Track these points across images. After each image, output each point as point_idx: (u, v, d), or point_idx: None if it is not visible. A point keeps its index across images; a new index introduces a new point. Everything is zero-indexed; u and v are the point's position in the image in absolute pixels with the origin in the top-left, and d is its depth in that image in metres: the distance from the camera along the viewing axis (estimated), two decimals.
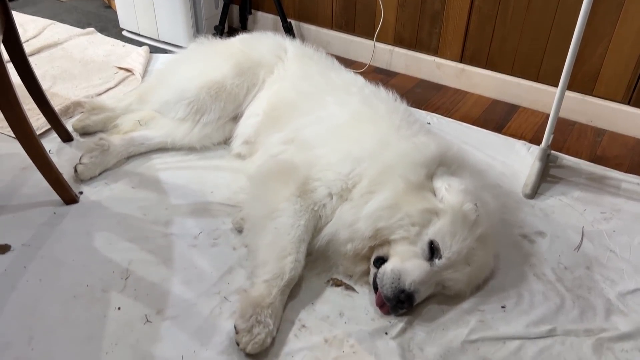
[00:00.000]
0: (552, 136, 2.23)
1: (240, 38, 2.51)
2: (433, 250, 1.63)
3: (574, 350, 1.59)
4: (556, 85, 2.14)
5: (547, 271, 1.85)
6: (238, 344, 1.51)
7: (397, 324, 1.64)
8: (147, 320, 1.60)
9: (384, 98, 2.09)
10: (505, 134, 2.62)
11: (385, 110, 2.00)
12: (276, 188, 1.82)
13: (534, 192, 2.18)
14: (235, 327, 1.53)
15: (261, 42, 2.42)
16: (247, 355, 1.51)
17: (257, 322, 1.53)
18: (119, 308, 1.63)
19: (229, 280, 1.74)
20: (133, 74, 2.89)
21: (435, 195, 1.72)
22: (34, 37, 3.22)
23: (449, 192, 1.70)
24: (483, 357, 1.56)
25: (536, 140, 2.43)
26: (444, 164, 1.81)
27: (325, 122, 1.98)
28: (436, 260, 1.62)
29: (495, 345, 1.59)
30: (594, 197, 2.20)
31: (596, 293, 1.78)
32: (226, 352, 1.53)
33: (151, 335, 1.56)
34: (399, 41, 3.11)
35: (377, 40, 3.13)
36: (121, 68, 2.94)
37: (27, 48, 3.01)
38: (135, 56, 3.02)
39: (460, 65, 2.95)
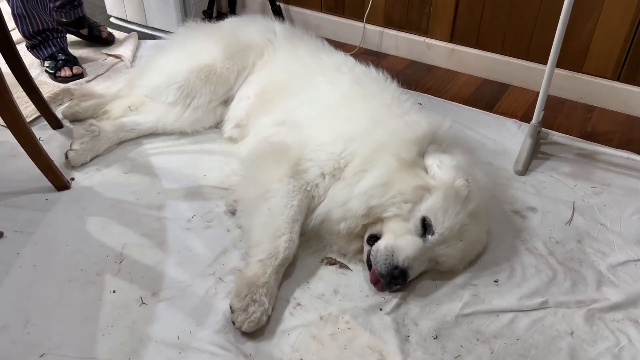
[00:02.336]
0: (542, 113, 2.24)
1: (230, 21, 2.50)
2: (426, 227, 1.64)
3: (566, 321, 1.62)
4: (546, 63, 2.14)
5: (539, 245, 1.87)
6: (234, 323, 1.52)
7: (392, 299, 1.65)
8: (143, 302, 1.61)
9: (374, 77, 2.09)
10: (496, 112, 2.63)
11: (376, 89, 2.01)
12: (269, 169, 1.82)
13: (525, 169, 2.19)
14: (230, 307, 1.54)
15: (250, 25, 2.41)
16: (243, 333, 1.52)
17: (253, 301, 1.54)
18: (114, 291, 1.63)
19: (224, 261, 1.75)
20: (122, 60, 2.87)
21: (427, 172, 1.73)
22: None
23: (441, 168, 1.71)
24: (476, 330, 1.58)
25: (527, 118, 2.44)
26: (436, 141, 1.82)
27: (317, 103, 1.98)
28: (429, 236, 1.64)
29: (489, 318, 1.61)
30: (585, 172, 2.21)
31: (587, 265, 1.80)
32: (222, 331, 1.54)
33: (147, 317, 1.57)
34: (389, 22, 3.09)
35: (367, 22, 3.12)
36: (110, 55, 2.92)
37: (15, 36, 2.98)
38: (125, 43, 3.00)
39: (451, 45, 2.95)
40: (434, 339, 1.55)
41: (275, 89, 2.14)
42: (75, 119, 2.35)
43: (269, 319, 1.57)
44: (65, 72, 2.68)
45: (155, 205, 1.95)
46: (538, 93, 2.20)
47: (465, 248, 1.70)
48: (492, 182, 1.90)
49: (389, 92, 2.00)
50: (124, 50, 2.93)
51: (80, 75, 2.72)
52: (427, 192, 1.67)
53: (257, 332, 1.53)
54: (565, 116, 2.62)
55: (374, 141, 1.78)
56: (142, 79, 2.39)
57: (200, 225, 1.88)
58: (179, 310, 1.59)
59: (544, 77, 2.16)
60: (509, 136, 2.42)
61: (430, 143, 1.80)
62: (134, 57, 2.92)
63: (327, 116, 1.91)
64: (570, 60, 2.66)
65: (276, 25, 2.43)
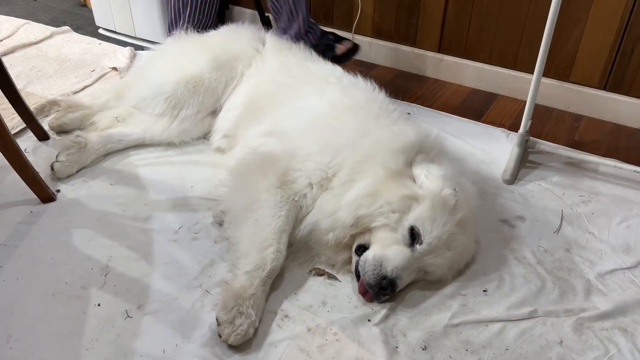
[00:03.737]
0: (530, 122, 2.25)
1: (218, 32, 2.49)
2: (414, 236, 1.64)
3: (555, 330, 1.61)
4: (533, 73, 2.15)
5: (528, 254, 1.87)
6: (220, 336, 1.50)
7: (380, 310, 1.64)
8: (128, 316, 1.58)
9: (362, 87, 2.09)
10: (484, 122, 2.64)
11: (364, 99, 2.01)
12: (256, 180, 1.81)
13: (514, 178, 2.20)
14: (217, 319, 1.53)
15: (238, 35, 2.41)
16: (230, 346, 1.50)
17: (239, 313, 1.53)
18: (99, 304, 1.61)
19: (211, 273, 1.73)
20: (117, 71, 2.85)
21: (414, 182, 1.73)
22: (8, 37, 3.16)
23: (428, 178, 1.70)
24: (465, 341, 1.57)
25: (515, 127, 2.44)
26: (423, 151, 1.82)
27: (304, 113, 1.98)
28: (417, 246, 1.63)
29: (478, 328, 1.60)
30: (573, 181, 2.22)
31: (576, 274, 1.80)
32: (209, 344, 1.52)
33: (132, 330, 1.54)
34: (378, 33, 3.11)
35: (355, 33, 3.13)
36: (113, 68, 2.89)
37: (1, 48, 2.98)
38: (120, 56, 2.98)
39: (439, 55, 2.96)
40: (423, 349, 1.54)
41: (263, 99, 2.13)
42: (62, 131, 2.33)
43: (256, 332, 1.55)
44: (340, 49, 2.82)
45: (141, 217, 1.93)
46: (526, 102, 2.21)
47: (453, 257, 1.70)
48: (479, 191, 1.90)
49: (376, 103, 2.00)
50: (120, 61, 2.91)
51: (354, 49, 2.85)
52: (414, 202, 1.66)
53: (244, 344, 1.51)
54: (553, 125, 2.63)
55: (361, 151, 1.78)
56: (129, 90, 2.38)
57: (187, 237, 1.87)
58: (165, 324, 1.57)
59: (530, 87, 2.17)
60: (497, 145, 2.43)
61: (418, 153, 1.80)
62: (129, 68, 2.89)
63: (315, 127, 1.91)
64: (557, 69, 2.69)
65: (264, 35, 2.43)
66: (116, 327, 1.54)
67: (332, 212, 1.73)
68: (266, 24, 3.14)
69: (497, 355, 1.53)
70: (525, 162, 2.31)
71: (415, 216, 1.64)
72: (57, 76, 2.78)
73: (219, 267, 1.76)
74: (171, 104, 2.25)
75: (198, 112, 2.29)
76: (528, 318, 1.64)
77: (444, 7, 2.83)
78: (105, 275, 1.70)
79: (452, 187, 1.69)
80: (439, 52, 2.98)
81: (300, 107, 2.01)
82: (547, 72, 2.34)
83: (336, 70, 2.23)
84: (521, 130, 2.25)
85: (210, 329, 1.55)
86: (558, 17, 2.00)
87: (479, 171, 2.26)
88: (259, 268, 1.63)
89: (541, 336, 1.59)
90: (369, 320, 1.61)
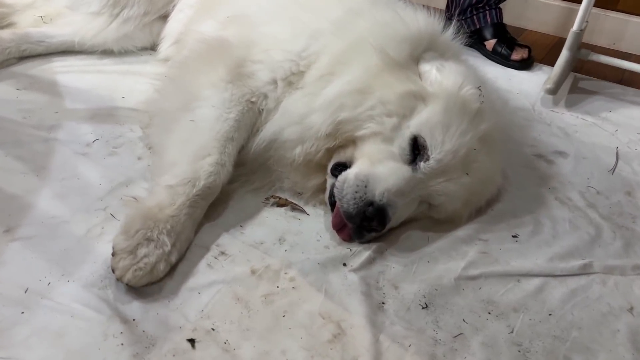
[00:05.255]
0: (586, 23, 1.72)
1: None
2: (417, 149, 1.13)
3: (621, 293, 1.09)
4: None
5: (574, 195, 1.35)
6: (114, 271, 0.98)
7: (362, 252, 1.12)
8: None
9: None
10: None
11: None
12: (199, 71, 1.31)
13: (558, 88, 1.70)
14: (113, 248, 1.00)
15: None
16: (130, 288, 0.98)
17: (147, 240, 1.01)
18: None
19: (123, 193, 1.21)
20: None
21: (421, 79, 1.21)
22: None
23: (442, 72, 1.19)
24: (487, 300, 1.05)
25: (547, 61, 1.94)
26: (435, 48, 1.30)
27: None
28: (421, 163, 1.12)
29: (505, 284, 1.08)
30: (627, 117, 1.71)
31: None
32: (97, 284, 1.00)
33: None
34: None
35: None
36: None
37: None
38: None
39: None
40: (423, 308, 1.01)
41: None
42: None
43: (173, 270, 1.04)
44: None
45: (46, 126, 1.43)
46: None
47: (472, 186, 1.18)
48: (511, 110, 1.39)
49: None
50: None
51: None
52: (421, 102, 1.15)
53: (150, 287, 1.00)
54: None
55: (351, 35, 1.26)
56: None
57: (102, 152, 1.35)
58: (40, 254, 1.06)
59: None
60: (526, 76, 1.91)
61: (427, 50, 1.28)
62: None
63: (289, 8, 1.39)
64: None
65: None
66: None
67: (302, 116, 1.21)
68: None
69: (535, 323, 1.01)
70: (574, 88, 1.78)
71: (421, 121, 1.13)
72: None
73: (136, 187, 1.24)
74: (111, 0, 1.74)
75: (145, 14, 1.79)
76: (580, 274, 1.13)
77: None
78: None
79: (474, 86, 1.17)
80: None
81: None
82: None
83: None
84: (575, 27, 1.72)
85: (105, 264, 1.03)
86: None
87: (506, 100, 1.73)
88: (187, 182, 1.11)
89: (601, 299, 1.07)
90: (344, 265, 1.09)
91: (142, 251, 0.99)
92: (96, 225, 1.13)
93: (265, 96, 1.28)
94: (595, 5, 2.12)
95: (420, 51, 1.26)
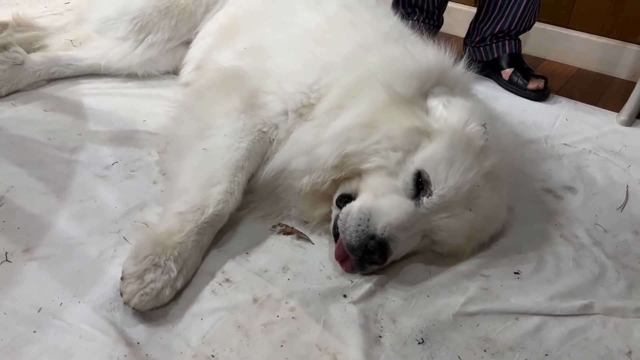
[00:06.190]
0: None
1: None
2: (420, 185, 1.15)
3: (621, 336, 1.08)
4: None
5: (580, 232, 1.35)
6: (122, 295, 1.03)
7: (363, 284, 1.14)
8: (6, 260, 1.12)
9: (371, 5, 1.60)
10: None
11: (371, 16, 1.52)
12: (214, 99, 1.36)
13: (632, 119, 1.73)
14: (122, 272, 1.05)
15: None
16: (136, 312, 1.03)
17: (154, 265, 1.06)
18: None
19: (138, 217, 1.27)
20: None
21: (427, 115, 1.24)
22: None
23: (448, 108, 1.22)
24: (484, 337, 1.06)
25: (565, 92, 1.94)
26: (444, 83, 1.32)
27: (292, 27, 1.51)
28: (424, 199, 1.14)
29: (504, 322, 1.09)
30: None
31: None
32: (107, 307, 1.05)
33: (6, 278, 1.08)
34: None
35: None
36: None
37: None
38: None
39: (473, 10, 2.47)
40: (419, 343, 1.03)
41: (244, 17, 1.68)
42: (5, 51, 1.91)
43: (179, 295, 1.07)
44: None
45: (69, 147, 1.49)
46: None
47: (475, 222, 1.19)
48: (519, 143, 1.40)
49: (388, 21, 1.52)
50: None
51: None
52: (426, 138, 1.18)
53: (156, 312, 1.04)
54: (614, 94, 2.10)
55: (361, 70, 1.30)
56: (91, 11, 1.95)
57: (119, 174, 1.41)
58: (54, 274, 1.11)
59: None
60: (541, 108, 1.91)
61: (437, 84, 1.31)
62: None
63: (303, 41, 1.44)
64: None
65: None
66: None
67: (311, 147, 1.25)
68: None
69: None
70: None
71: (426, 156, 1.15)
72: (24, 4, 2.38)
73: (150, 211, 1.29)
74: (137, 26, 1.82)
75: (169, 40, 1.86)
76: (580, 314, 1.13)
77: None
78: None
79: (480, 123, 1.19)
80: (474, 5, 2.49)
81: (287, 22, 1.54)
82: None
83: None
84: None
85: (115, 287, 1.08)
86: None
87: (517, 134, 1.74)
88: (196, 210, 1.16)
89: (599, 341, 1.07)
90: (345, 296, 1.12)
91: (149, 276, 1.04)
92: (109, 248, 1.18)
93: (277, 126, 1.33)
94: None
95: (429, 86, 1.29)
